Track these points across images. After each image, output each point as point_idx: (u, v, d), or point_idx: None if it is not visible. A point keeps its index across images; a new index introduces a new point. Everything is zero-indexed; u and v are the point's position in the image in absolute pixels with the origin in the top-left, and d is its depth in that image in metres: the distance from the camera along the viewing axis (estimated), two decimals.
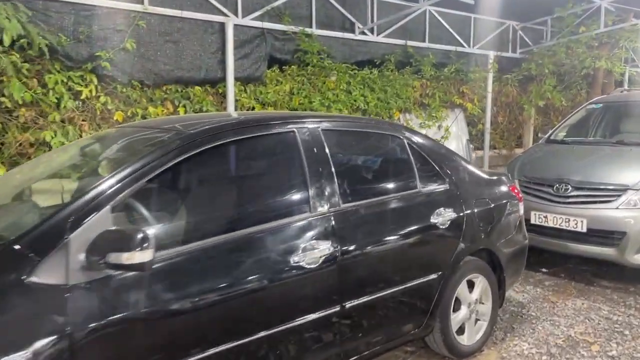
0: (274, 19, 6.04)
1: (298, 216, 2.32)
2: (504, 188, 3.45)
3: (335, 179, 2.50)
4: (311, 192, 2.39)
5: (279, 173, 2.49)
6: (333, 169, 2.51)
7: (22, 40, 4.28)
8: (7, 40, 3.59)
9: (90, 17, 4.72)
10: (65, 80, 4.64)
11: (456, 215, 2.96)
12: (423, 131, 7.31)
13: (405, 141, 2.98)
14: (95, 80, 4.79)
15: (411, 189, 2.88)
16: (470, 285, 3.15)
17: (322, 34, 6.43)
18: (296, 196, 2.40)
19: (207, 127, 2.25)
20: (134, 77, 5.02)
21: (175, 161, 2.02)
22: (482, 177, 3.35)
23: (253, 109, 5.86)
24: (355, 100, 6.66)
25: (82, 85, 4.72)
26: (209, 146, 2.15)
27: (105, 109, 4.92)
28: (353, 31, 6.82)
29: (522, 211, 3.51)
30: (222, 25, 5.53)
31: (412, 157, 2.96)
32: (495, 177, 3.49)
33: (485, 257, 3.24)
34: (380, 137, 2.99)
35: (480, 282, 3.18)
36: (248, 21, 5.75)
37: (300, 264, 2.22)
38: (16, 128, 4.56)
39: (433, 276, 2.82)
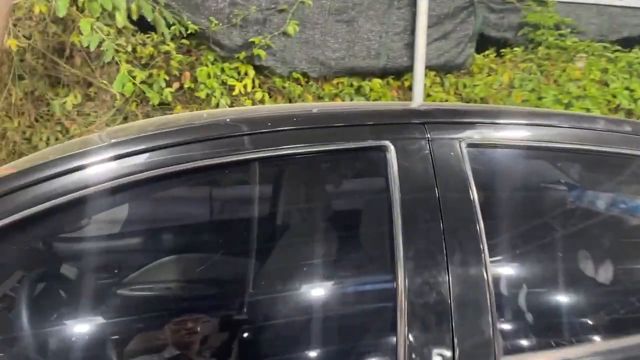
0: None
1: None
2: None
3: (490, 274, 0.98)
4: (403, 302, 0.93)
5: (319, 253, 1.12)
6: (485, 246, 0.99)
7: (173, 28, 3.75)
8: (120, 21, 3.01)
9: None
10: (218, 73, 3.97)
11: None
12: None
13: None
14: (251, 73, 4.01)
15: None
16: None
17: (564, 0, 4.47)
18: (359, 318, 0.98)
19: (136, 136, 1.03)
20: (295, 67, 4.08)
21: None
22: None
23: None
24: (614, 96, 4.48)
25: (236, 79, 3.99)
26: (131, 179, 0.93)
27: None
28: None
29: None
30: None
31: None
32: None
33: None
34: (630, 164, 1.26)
35: None
36: None
37: None
38: None
39: None
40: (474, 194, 1.02)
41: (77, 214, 1.13)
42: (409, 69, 4.23)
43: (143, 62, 3.89)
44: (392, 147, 1.02)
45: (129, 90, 3.14)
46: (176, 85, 3.92)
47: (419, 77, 4.18)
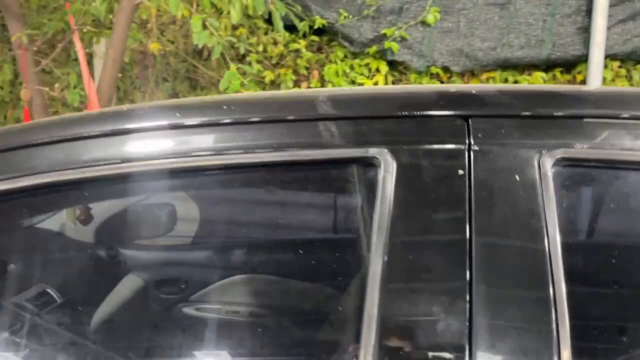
0: None
1: None
2: None
3: None
4: None
5: None
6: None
7: (303, 24, 3.54)
8: (234, 16, 2.85)
9: None
10: (347, 70, 3.65)
11: None
12: None
13: None
14: (383, 69, 3.60)
15: None
16: None
17: None
18: None
19: None
20: (434, 61, 3.53)
21: None
22: None
23: None
24: None
25: (366, 77, 3.62)
26: None
27: None
28: None
29: None
30: None
31: None
32: None
33: None
34: None
35: None
36: None
37: None
38: None
39: None
40: (557, 253, 0.48)
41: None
42: (583, 58, 3.36)
43: (273, 61, 3.77)
44: (389, 161, 0.52)
45: (235, 89, 3.00)
46: (304, 85, 3.72)
47: (596, 68, 3.29)
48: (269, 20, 3.59)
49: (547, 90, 0.68)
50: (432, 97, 0.61)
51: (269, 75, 3.65)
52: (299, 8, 3.37)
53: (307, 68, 3.70)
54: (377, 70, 3.60)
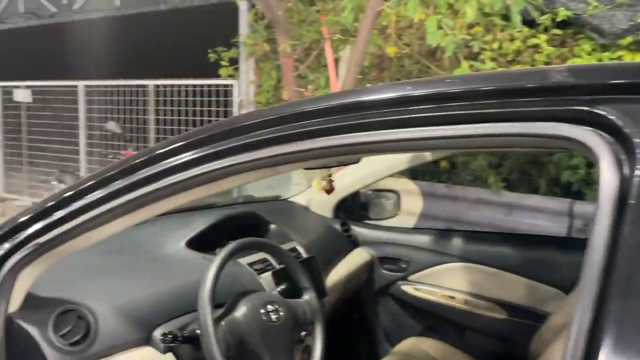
0: None
1: None
2: None
3: None
4: None
5: None
6: None
7: (543, 18, 3.39)
8: (470, 14, 2.86)
9: None
10: None
11: None
12: None
13: None
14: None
15: None
16: None
17: None
18: None
19: None
20: None
21: None
22: None
23: None
24: None
25: None
26: None
27: None
28: None
29: None
30: None
31: None
32: None
33: None
34: None
35: None
36: None
37: None
38: None
39: None
40: None
41: None
42: None
43: (509, 58, 3.68)
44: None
45: None
46: None
47: None
48: (506, 17, 3.52)
49: None
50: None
51: None
52: (540, 1, 3.22)
53: (546, 64, 3.50)
54: None
